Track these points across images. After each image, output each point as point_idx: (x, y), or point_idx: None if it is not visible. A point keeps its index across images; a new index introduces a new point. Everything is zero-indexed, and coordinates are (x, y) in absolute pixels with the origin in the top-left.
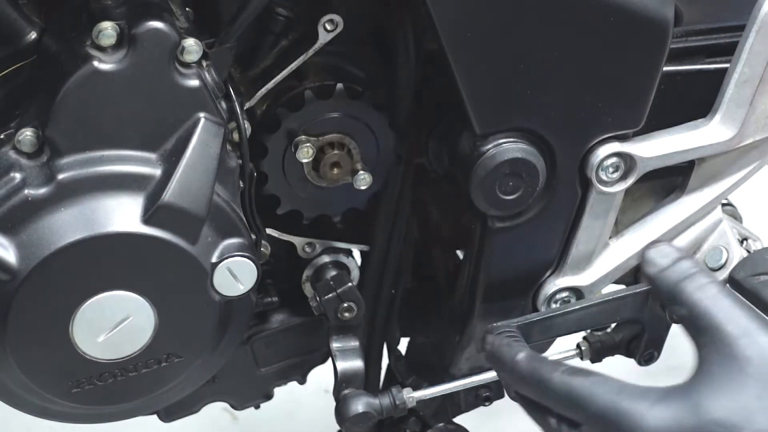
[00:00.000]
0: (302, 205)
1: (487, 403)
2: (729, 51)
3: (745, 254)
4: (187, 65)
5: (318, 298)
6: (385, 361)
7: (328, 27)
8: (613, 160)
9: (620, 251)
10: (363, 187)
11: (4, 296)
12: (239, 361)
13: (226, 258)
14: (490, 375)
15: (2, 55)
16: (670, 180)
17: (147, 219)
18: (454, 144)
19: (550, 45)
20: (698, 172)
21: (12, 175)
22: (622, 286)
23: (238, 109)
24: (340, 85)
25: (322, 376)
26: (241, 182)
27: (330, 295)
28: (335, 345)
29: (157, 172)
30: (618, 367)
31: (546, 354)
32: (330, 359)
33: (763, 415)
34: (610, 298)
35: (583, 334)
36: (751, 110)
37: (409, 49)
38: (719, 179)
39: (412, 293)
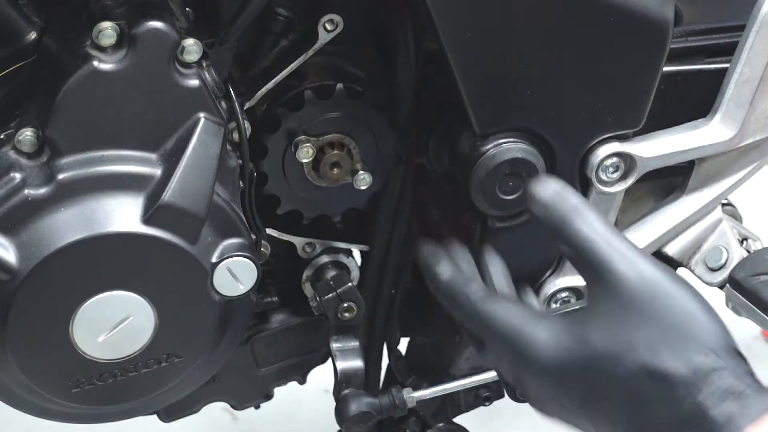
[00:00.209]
0: (302, 205)
1: (487, 403)
2: (729, 51)
3: (745, 254)
4: (187, 65)
5: (318, 298)
6: (385, 361)
7: (328, 27)
8: (613, 160)
9: None
10: (363, 187)
11: (4, 296)
12: (239, 361)
13: (226, 258)
14: (490, 375)
15: (2, 55)
16: (670, 180)
17: (147, 219)
18: (454, 144)
19: (550, 45)
20: (698, 172)
21: (12, 175)
22: None
23: (238, 109)
24: (340, 85)
25: (322, 376)
26: (241, 182)
27: (330, 295)
28: (335, 345)
29: (157, 172)
30: None
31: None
32: (330, 359)
33: (643, 346)
34: None
35: None
36: (751, 110)
37: (409, 49)
38: (719, 179)
39: (412, 293)
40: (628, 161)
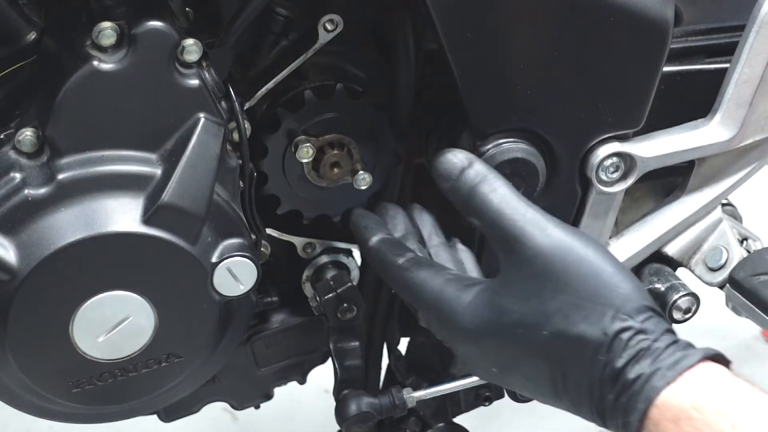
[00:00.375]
0: (302, 205)
1: (487, 403)
2: (729, 51)
3: (745, 254)
4: (187, 65)
5: (318, 298)
6: (385, 361)
7: (328, 27)
8: (613, 160)
9: (620, 251)
10: (363, 187)
11: (4, 296)
12: (239, 361)
13: (226, 258)
14: None
15: (2, 55)
16: (670, 180)
17: (147, 219)
18: (454, 144)
19: (550, 45)
20: (698, 172)
21: (12, 175)
22: None
23: (238, 109)
24: (340, 85)
25: (322, 376)
26: (241, 182)
27: (330, 295)
28: (335, 345)
29: (157, 172)
30: None
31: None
32: (330, 359)
33: (558, 315)
34: None
35: None
36: (751, 110)
37: (409, 49)
38: (719, 179)
39: None
40: (628, 161)
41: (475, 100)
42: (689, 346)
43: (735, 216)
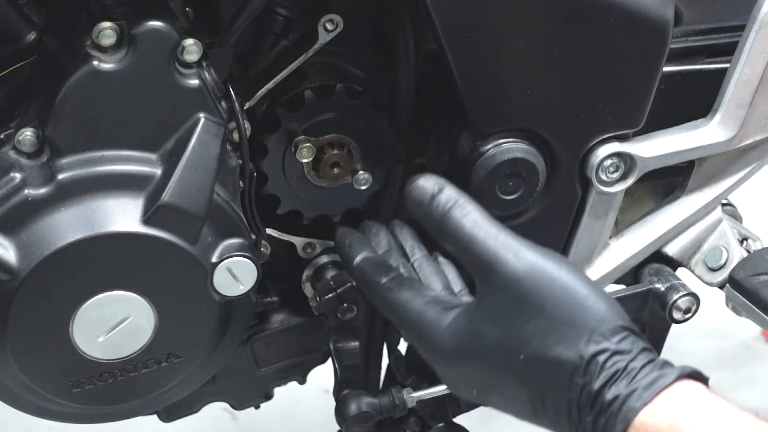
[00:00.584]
0: (302, 205)
1: None
2: (729, 51)
3: (745, 254)
4: (187, 65)
5: (318, 298)
6: (385, 361)
7: (328, 27)
8: (613, 160)
9: (620, 251)
10: (363, 187)
11: (4, 296)
12: (239, 361)
13: (226, 258)
14: None
15: (2, 55)
16: (670, 180)
17: (147, 219)
18: (454, 144)
19: (550, 45)
20: (698, 172)
21: (12, 175)
22: (622, 286)
23: (238, 109)
24: (340, 85)
25: (322, 376)
26: (241, 182)
27: (330, 295)
28: (335, 345)
29: (157, 172)
30: None
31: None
32: (330, 359)
33: (534, 340)
34: None
35: None
36: (751, 110)
37: (409, 49)
38: (719, 179)
39: None
40: (628, 161)
41: (475, 100)
42: (666, 364)
43: (735, 216)
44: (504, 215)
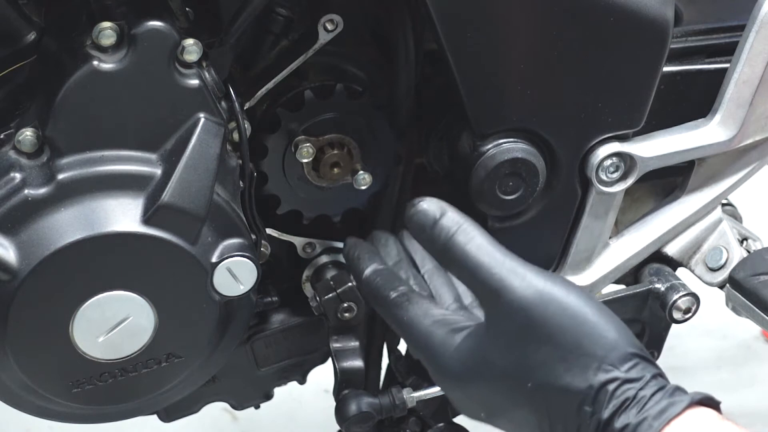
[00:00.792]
0: (302, 205)
1: None
2: (729, 51)
3: (745, 254)
4: (187, 65)
5: (318, 298)
6: (385, 361)
7: (328, 27)
8: (613, 160)
9: (620, 251)
10: (363, 187)
11: (4, 296)
12: (239, 361)
13: (226, 258)
14: None
15: (2, 55)
16: (670, 180)
17: (147, 219)
18: (454, 144)
19: (549, 45)
20: (698, 172)
21: (12, 175)
22: (622, 286)
23: (238, 109)
24: (340, 85)
25: (322, 376)
26: (241, 182)
27: (330, 295)
28: (335, 345)
29: (157, 172)
30: None
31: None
32: (330, 359)
33: (542, 368)
34: (610, 298)
35: None
36: (751, 110)
37: (409, 49)
38: (719, 179)
39: None
40: (628, 161)
41: (475, 99)
42: (678, 390)
43: (735, 216)
44: (504, 215)
